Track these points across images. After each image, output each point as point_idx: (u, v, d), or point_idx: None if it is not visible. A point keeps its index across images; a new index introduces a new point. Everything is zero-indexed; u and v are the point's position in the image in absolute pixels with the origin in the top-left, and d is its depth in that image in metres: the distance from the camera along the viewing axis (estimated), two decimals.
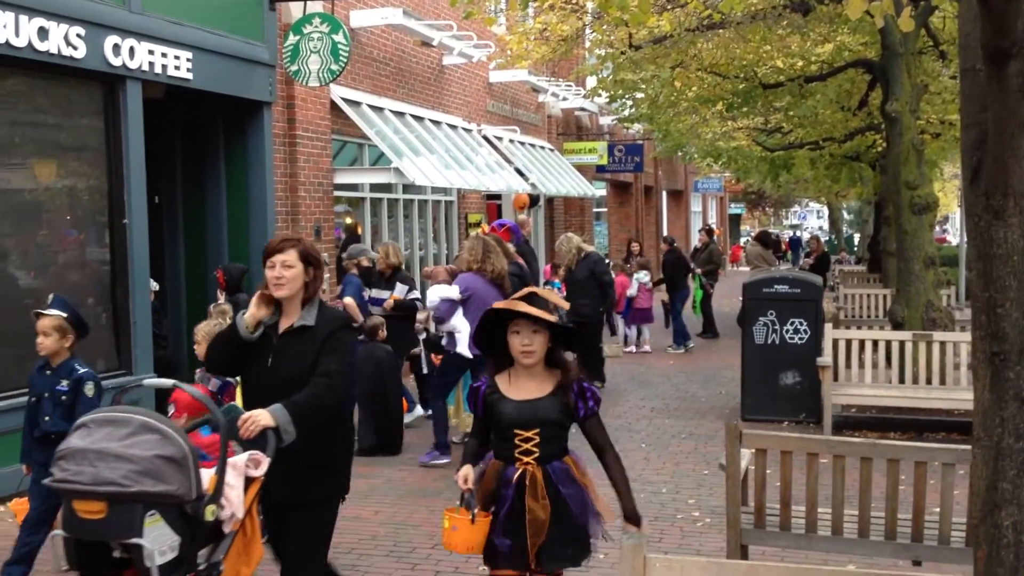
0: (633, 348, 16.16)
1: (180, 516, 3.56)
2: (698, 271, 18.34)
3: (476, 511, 3.97)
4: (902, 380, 9.59)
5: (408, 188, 14.24)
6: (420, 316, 10.66)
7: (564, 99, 21.18)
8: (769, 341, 10.41)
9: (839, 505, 5.03)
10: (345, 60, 10.54)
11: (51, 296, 5.92)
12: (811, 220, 74.38)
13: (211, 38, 9.63)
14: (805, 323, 10.32)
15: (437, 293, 8.88)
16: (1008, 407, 3.39)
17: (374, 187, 13.59)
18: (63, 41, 7.90)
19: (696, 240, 22.68)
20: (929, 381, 9.44)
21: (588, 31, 13.30)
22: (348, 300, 9.58)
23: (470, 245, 9.11)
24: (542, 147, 20.15)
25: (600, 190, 24.93)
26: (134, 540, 3.45)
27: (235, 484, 3.77)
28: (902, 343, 9.62)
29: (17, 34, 7.50)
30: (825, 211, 57.36)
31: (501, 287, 8.86)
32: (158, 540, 3.48)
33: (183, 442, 3.57)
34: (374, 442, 9.07)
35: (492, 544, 4.02)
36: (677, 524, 6.89)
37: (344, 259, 10.18)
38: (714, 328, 18.05)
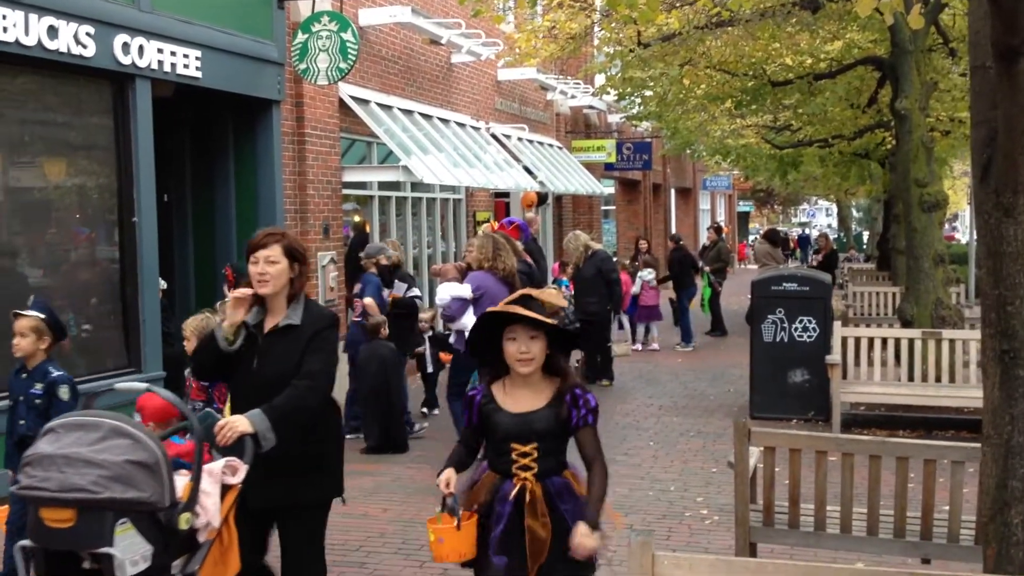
0: (639, 346, 16.15)
1: (153, 524, 3.42)
2: (706, 269, 18.31)
3: (460, 515, 3.80)
4: (911, 378, 9.57)
5: (416, 186, 14.24)
6: (425, 315, 10.66)
7: (572, 97, 21.16)
8: (778, 339, 10.40)
9: (848, 503, 5.02)
10: (354, 58, 10.55)
11: (31, 297, 5.88)
12: (820, 218, 74.24)
13: (220, 36, 9.64)
14: (814, 321, 10.30)
15: (447, 291, 8.86)
16: (1018, 405, 3.39)
17: (382, 185, 13.60)
18: (72, 40, 7.92)
19: (705, 238, 22.66)
20: (938, 379, 9.42)
21: (596, 29, 13.30)
22: (368, 301, 9.52)
23: (480, 243, 9.09)
24: (550, 145, 20.14)
25: (608, 188, 24.91)
26: (104, 549, 3.31)
27: (211, 491, 3.63)
28: (911, 341, 9.60)
29: (27, 33, 7.52)
30: (834, 209, 57.23)
31: (511, 286, 8.84)
32: (129, 549, 3.34)
33: (156, 447, 3.42)
34: (379, 440, 9.08)
35: (487, 561, 3.82)
36: (685, 522, 6.89)
37: (362, 258, 10.14)
38: (722, 326, 18.03)
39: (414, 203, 14.78)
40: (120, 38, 8.39)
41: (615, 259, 19.44)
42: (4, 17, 7.33)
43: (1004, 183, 3.31)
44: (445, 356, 9.87)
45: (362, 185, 13.14)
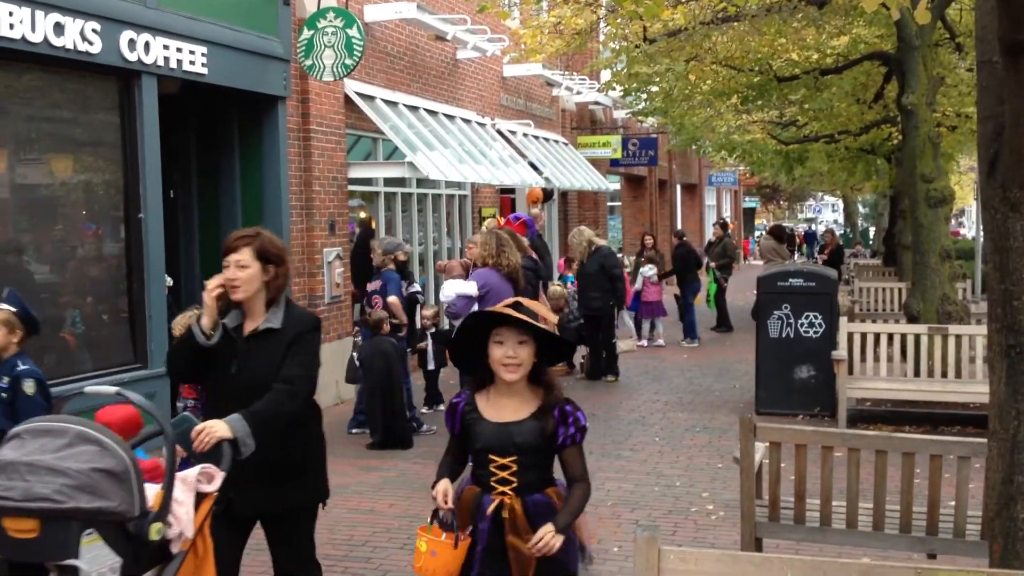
0: (645, 342, 16.15)
1: (121, 535, 3.26)
2: (712, 265, 18.31)
3: (459, 533, 3.58)
4: (917, 373, 9.57)
5: (422, 182, 14.24)
6: (427, 312, 10.66)
7: (578, 93, 21.15)
8: (784, 335, 10.40)
9: (854, 498, 5.02)
10: (359, 54, 10.55)
11: (5, 290, 5.73)
12: (826, 214, 74.14)
13: (226, 33, 9.65)
14: (820, 317, 10.30)
15: (453, 288, 8.86)
16: None
17: (388, 181, 13.60)
18: (79, 36, 7.93)
19: (710, 234, 22.64)
20: (944, 374, 9.42)
21: (602, 24, 13.27)
22: (393, 299, 9.51)
23: (483, 240, 9.09)
24: (556, 141, 20.13)
25: (614, 184, 24.89)
26: (70, 561, 3.16)
27: (184, 500, 3.46)
28: (917, 336, 9.60)
29: (33, 29, 7.53)
30: (840, 204, 57.14)
31: (515, 282, 8.84)
32: (96, 561, 3.20)
33: (124, 454, 3.25)
34: (383, 436, 9.09)
35: None
36: (691, 517, 6.90)
37: (380, 255, 10.13)
38: (728, 322, 18.02)
39: (420, 199, 14.79)
40: (126, 35, 8.40)
41: (620, 255, 19.43)
42: (11, 14, 7.33)
43: (1011, 178, 3.30)
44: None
45: (368, 181, 13.15)
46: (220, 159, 10.88)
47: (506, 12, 10.15)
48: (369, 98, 12.45)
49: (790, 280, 10.53)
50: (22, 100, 8.17)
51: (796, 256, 32.27)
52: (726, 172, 36.87)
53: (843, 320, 10.03)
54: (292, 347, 4.00)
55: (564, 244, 18.12)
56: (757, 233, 47.83)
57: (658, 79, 14.96)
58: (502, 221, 13.00)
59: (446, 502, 3.58)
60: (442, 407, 10.52)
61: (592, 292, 12.39)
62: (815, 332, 10.31)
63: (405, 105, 13.38)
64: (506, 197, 18.04)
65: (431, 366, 10.61)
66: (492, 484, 3.62)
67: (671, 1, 11.01)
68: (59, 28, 7.74)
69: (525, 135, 18.02)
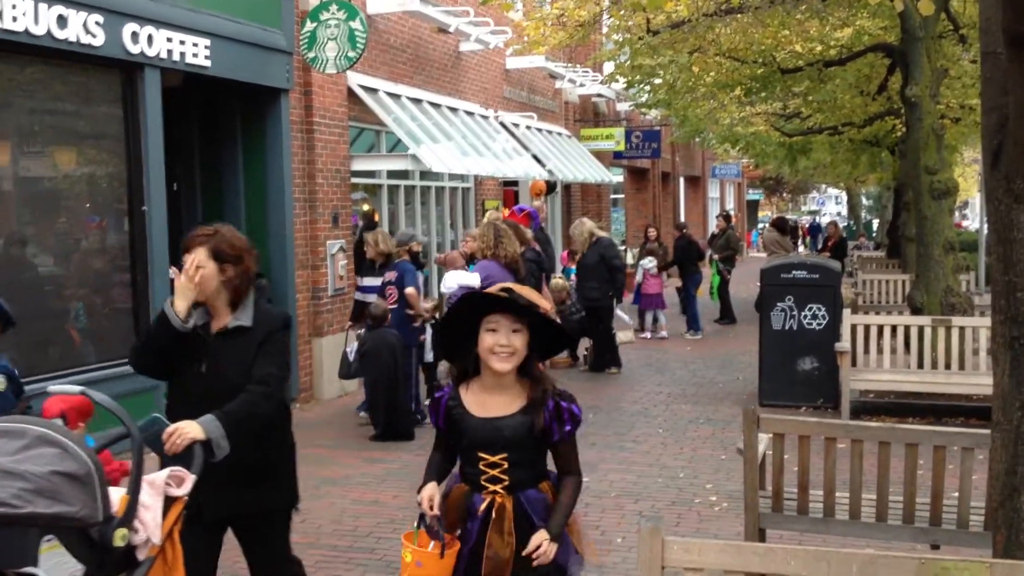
0: (648, 334, 16.16)
1: (83, 541, 3.09)
2: (715, 257, 18.30)
3: (445, 542, 3.40)
4: (921, 365, 9.57)
5: (425, 175, 14.25)
6: (427, 304, 10.65)
7: (581, 85, 21.13)
8: (787, 327, 10.39)
9: (857, 489, 5.03)
10: (362, 47, 10.55)
11: None
12: (830, 206, 74.03)
13: (229, 25, 9.65)
14: (823, 308, 10.30)
15: (455, 280, 8.87)
16: None
17: (391, 174, 13.61)
18: (82, 29, 7.93)
19: (714, 226, 22.62)
20: (948, 366, 9.42)
21: (605, 16, 13.26)
22: (410, 290, 9.49)
23: (481, 232, 9.09)
24: (559, 133, 20.12)
25: (617, 176, 24.88)
26: (28, 569, 3.04)
27: (151, 505, 3.28)
28: (921, 328, 9.60)
29: (36, 22, 7.54)
30: (844, 197, 57.07)
31: (515, 272, 8.84)
32: (56, 569, 3.11)
33: (87, 457, 3.06)
34: (385, 428, 9.10)
35: None
36: (695, 508, 6.91)
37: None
38: (731, 314, 18.02)
39: (423, 192, 14.80)
40: (129, 27, 8.40)
41: (623, 248, 19.38)
42: (14, 7, 7.34)
43: (1015, 169, 3.30)
44: None
45: (371, 174, 13.16)
46: (223, 152, 10.89)
47: (509, 4, 10.15)
48: (372, 90, 12.44)
49: (793, 272, 10.52)
50: (25, 93, 8.18)
51: (800, 248, 32.26)
52: (729, 164, 36.82)
53: (847, 312, 10.03)
54: (263, 346, 3.89)
55: (567, 236, 18.14)
56: (760, 225, 47.79)
57: (661, 71, 14.94)
58: (506, 213, 13.00)
59: (432, 508, 3.38)
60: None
61: (591, 283, 12.40)
62: (818, 324, 10.31)
63: (408, 98, 13.38)
64: (509, 190, 18.04)
65: (430, 358, 10.61)
66: (482, 483, 3.45)
67: None
68: (62, 20, 7.75)
69: (528, 128, 18.01)
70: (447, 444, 3.59)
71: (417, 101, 13.64)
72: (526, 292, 3.50)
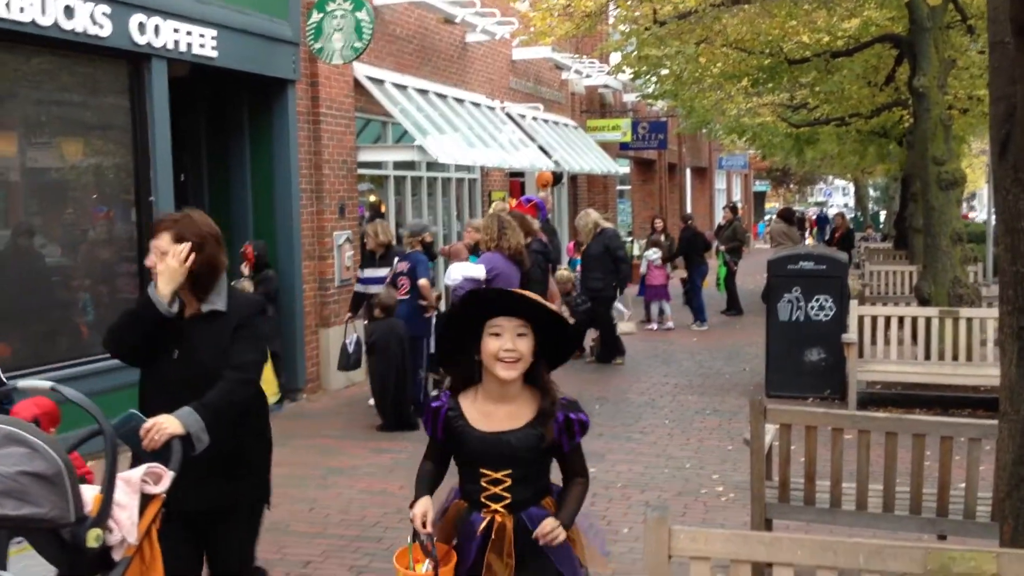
0: (655, 326, 16.16)
1: (55, 543, 2.99)
2: (722, 248, 18.29)
3: (438, 561, 3.15)
4: (928, 357, 9.55)
5: (431, 166, 14.25)
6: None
7: (588, 76, 21.09)
8: (794, 318, 10.39)
9: (864, 480, 5.03)
10: (368, 38, 10.54)
11: None
12: (836, 197, 73.84)
13: (236, 16, 9.65)
14: (830, 300, 10.29)
15: (460, 271, 8.86)
16: None
17: (398, 165, 13.61)
18: (89, 20, 7.93)
19: (720, 217, 22.60)
20: (955, 357, 9.40)
21: (612, 7, 13.21)
22: (423, 282, 9.48)
23: (485, 223, 9.08)
24: (565, 124, 20.10)
25: (624, 168, 24.85)
26: None
27: (127, 504, 3.15)
28: (928, 319, 9.58)
29: (43, 13, 7.54)
30: (851, 188, 56.91)
31: (520, 264, 8.83)
32: (27, 572, 3.01)
33: (57, 456, 2.96)
34: (392, 419, 9.11)
35: None
36: (701, 499, 6.91)
37: (407, 237, 10.12)
38: (738, 305, 18.01)
39: (429, 183, 14.79)
40: (136, 18, 8.41)
41: (630, 239, 19.35)
42: None
43: (1023, 159, 3.29)
44: None
45: (377, 165, 13.15)
46: (230, 142, 10.90)
47: None
48: (378, 81, 12.44)
49: (800, 263, 10.51)
50: (32, 84, 8.19)
51: (807, 239, 32.20)
52: (736, 156, 36.77)
53: (854, 303, 10.01)
54: (239, 331, 3.79)
55: (574, 228, 18.13)
56: (767, 217, 47.70)
57: (668, 62, 14.88)
58: (514, 203, 13.00)
59: (425, 525, 3.16)
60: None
61: (595, 274, 12.40)
62: (825, 315, 10.30)
63: (414, 88, 13.37)
64: (516, 181, 18.03)
65: (431, 349, 10.61)
66: (483, 500, 3.24)
67: None
68: (69, 11, 7.75)
69: (534, 119, 17.99)
70: (441, 454, 3.37)
71: (423, 92, 13.63)
72: (530, 296, 3.26)
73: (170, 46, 8.79)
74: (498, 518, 3.21)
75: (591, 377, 11.55)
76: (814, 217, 43.41)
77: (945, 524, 4.96)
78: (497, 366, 3.16)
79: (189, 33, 9.00)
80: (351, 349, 10.12)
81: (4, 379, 5.11)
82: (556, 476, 3.43)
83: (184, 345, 3.77)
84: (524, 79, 18.26)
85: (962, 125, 18.29)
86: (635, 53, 14.65)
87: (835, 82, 14.50)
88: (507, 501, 3.22)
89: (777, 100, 19.16)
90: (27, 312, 8.06)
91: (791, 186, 59.14)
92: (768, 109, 20.05)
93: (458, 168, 15.06)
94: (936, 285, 10.43)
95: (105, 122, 8.90)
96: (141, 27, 8.46)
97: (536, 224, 11.04)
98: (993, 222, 17.71)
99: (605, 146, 21.65)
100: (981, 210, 51.04)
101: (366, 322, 9.89)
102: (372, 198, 13.35)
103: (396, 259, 9.91)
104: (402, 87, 13.03)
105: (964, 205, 49.99)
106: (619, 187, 25.22)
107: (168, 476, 3.33)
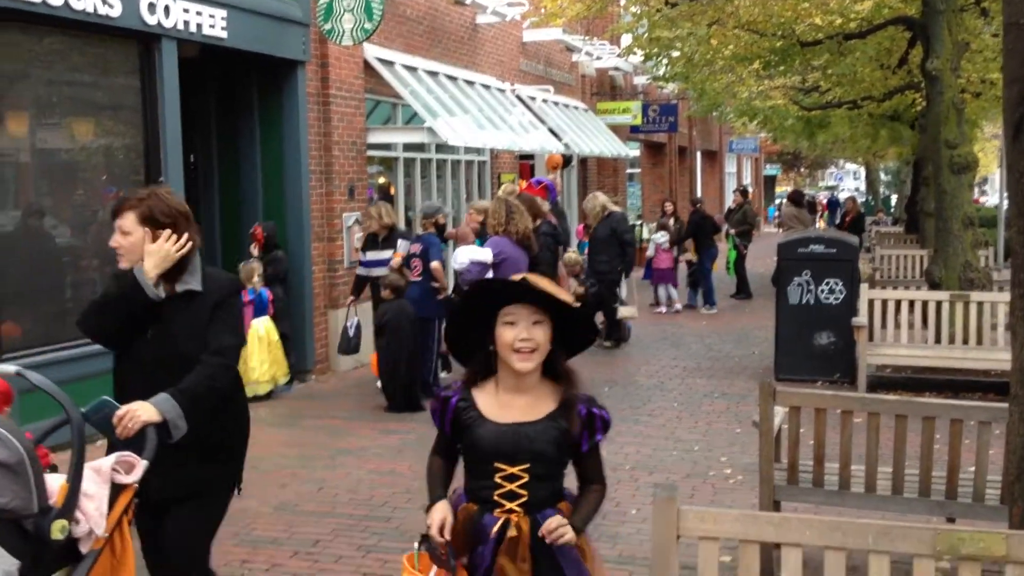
0: (664, 309, 16.15)
1: (17, 534, 2.86)
2: (732, 231, 18.25)
3: (455, 566, 2.94)
4: (938, 340, 9.53)
5: (441, 148, 14.22)
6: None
7: (598, 58, 21.01)
8: (804, 301, 10.37)
9: (873, 462, 5.02)
10: (378, 18, 10.51)
11: None
12: (848, 181, 73.57)
13: None
14: (840, 283, 10.26)
15: (467, 255, 8.84)
16: None
17: (407, 147, 13.58)
18: (99, 0, 7.92)
19: (730, 201, 22.54)
20: (966, 341, 9.38)
21: None
22: (435, 264, 9.46)
23: (493, 208, 9.06)
24: (576, 107, 20.04)
25: (634, 151, 24.77)
26: None
27: (96, 494, 3.01)
28: (939, 303, 9.55)
29: None
30: (862, 172, 56.69)
31: (528, 248, 8.81)
32: None
33: (19, 445, 2.83)
34: (402, 400, 9.13)
35: None
36: (709, 481, 6.92)
37: (420, 218, 10.09)
38: (748, 288, 17.99)
39: (439, 165, 14.77)
40: None
41: (640, 223, 19.30)
42: None
43: None
44: None
45: (387, 146, 13.13)
46: (240, 124, 10.89)
47: None
48: (388, 63, 12.40)
49: (811, 246, 10.48)
50: (43, 64, 8.19)
51: (818, 223, 32.08)
52: (747, 139, 36.61)
53: (864, 286, 9.99)
54: (217, 313, 3.64)
55: (583, 211, 18.10)
56: (777, 200, 47.55)
57: (679, 43, 14.82)
58: (524, 185, 12.97)
59: (442, 533, 2.93)
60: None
61: (601, 256, 12.38)
62: (835, 299, 10.27)
63: (424, 70, 13.33)
64: (525, 163, 17.99)
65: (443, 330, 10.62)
66: (496, 499, 3.01)
67: None
68: None
69: (545, 101, 17.93)
70: (451, 448, 3.17)
71: (433, 74, 13.59)
72: (544, 282, 3.04)
73: (180, 26, 8.78)
74: (513, 518, 2.99)
75: (600, 360, 11.55)
76: (825, 201, 43.27)
77: (954, 507, 4.97)
78: (513, 357, 2.96)
79: (199, 13, 8.99)
80: (352, 332, 10.12)
81: None
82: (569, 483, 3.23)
83: (159, 326, 3.62)
84: (534, 61, 18.19)
85: (975, 109, 18.18)
86: (646, 35, 14.60)
87: (847, 65, 14.42)
88: (523, 499, 2.99)
89: (789, 83, 19.08)
90: (37, 292, 8.08)
91: (802, 170, 58.91)
92: (779, 92, 19.97)
93: (468, 150, 15.04)
94: (947, 269, 10.40)
95: (115, 103, 8.90)
96: (151, 7, 8.45)
97: (546, 206, 11.01)
98: (1005, 206, 17.63)
99: (615, 129, 21.58)
100: (993, 194, 50.82)
101: (373, 304, 9.89)
102: (382, 180, 13.33)
103: (400, 240, 9.91)
104: (412, 68, 12.99)
105: (976, 190, 49.74)
106: (629, 170, 25.15)
107: (141, 465, 3.20)
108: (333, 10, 10.53)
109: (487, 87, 15.48)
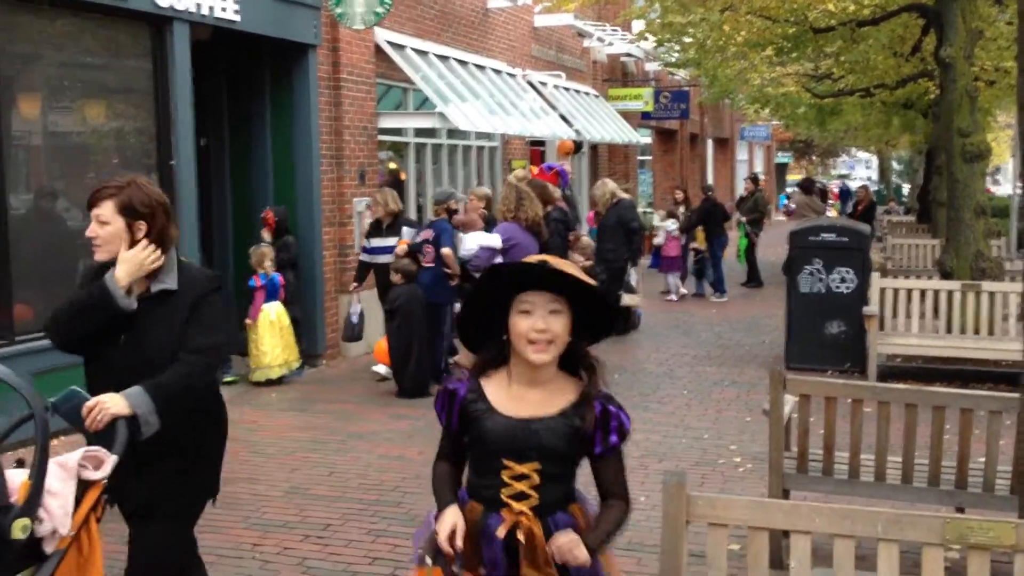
0: (674, 296, 16.15)
1: None
2: (743, 219, 18.20)
3: None
4: (949, 330, 9.50)
5: (452, 133, 14.20)
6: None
7: (610, 44, 20.94)
8: (815, 290, 10.34)
9: (883, 451, 5.02)
10: (389, 2, 10.50)
11: None
12: (859, 170, 73.30)
13: None
14: (852, 272, 10.23)
15: (475, 241, 8.83)
16: None
17: (418, 132, 13.57)
18: None
19: (742, 188, 22.48)
20: (977, 331, 9.35)
21: None
22: (447, 251, 9.45)
23: (504, 193, 9.04)
24: (587, 93, 19.98)
25: (645, 137, 24.70)
26: None
27: (60, 491, 2.86)
28: (950, 293, 9.52)
29: None
30: (874, 161, 56.49)
31: (538, 235, 8.79)
32: None
33: None
34: (412, 385, 9.14)
35: None
36: (719, 469, 6.92)
37: (433, 204, 10.08)
38: (758, 277, 17.96)
39: (450, 150, 14.75)
40: None
41: (650, 210, 19.25)
42: None
43: None
44: None
45: (398, 131, 13.12)
46: (251, 107, 10.89)
47: None
48: (399, 47, 12.38)
49: (822, 235, 10.45)
50: (55, 46, 8.20)
51: (830, 212, 31.96)
52: (759, 126, 36.48)
53: (875, 275, 9.96)
54: (195, 312, 3.43)
55: (591, 197, 18.08)
56: (789, 189, 47.41)
57: (692, 29, 14.77)
58: (535, 171, 12.94)
59: (452, 542, 2.69)
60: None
61: (608, 244, 12.35)
62: (847, 287, 10.25)
63: (435, 55, 13.30)
64: (536, 149, 17.96)
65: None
66: (504, 499, 2.77)
67: None
68: None
69: (556, 87, 17.89)
70: (457, 448, 2.91)
71: (444, 58, 13.57)
72: (564, 265, 2.77)
73: (192, 9, 8.77)
74: (524, 521, 2.74)
75: (609, 347, 11.54)
76: (836, 190, 43.12)
77: (964, 496, 4.96)
78: (528, 349, 2.71)
79: None
80: (355, 320, 10.12)
81: None
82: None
83: (131, 328, 3.40)
84: (546, 47, 18.14)
85: (988, 97, 18.07)
86: (658, 20, 14.56)
87: (860, 52, 14.35)
88: (533, 501, 2.76)
89: (801, 70, 18.99)
90: (49, 276, 8.10)
91: (814, 158, 58.71)
92: (792, 79, 19.89)
93: (478, 136, 15.02)
94: (959, 258, 10.35)
95: (127, 85, 8.90)
96: None
97: (557, 192, 10.99)
98: (1017, 195, 17.55)
99: (626, 115, 21.52)
100: (1005, 184, 50.59)
101: (378, 291, 9.87)
102: (392, 166, 13.33)
103: (405, 228, 9.90)
104: (423, 53, 12.97)
105: (988, 179, 49.50)
106: (640, 157, 25.09)
107: (110, 461, 3.02)
108: None
109: (498, 72, 15.45)
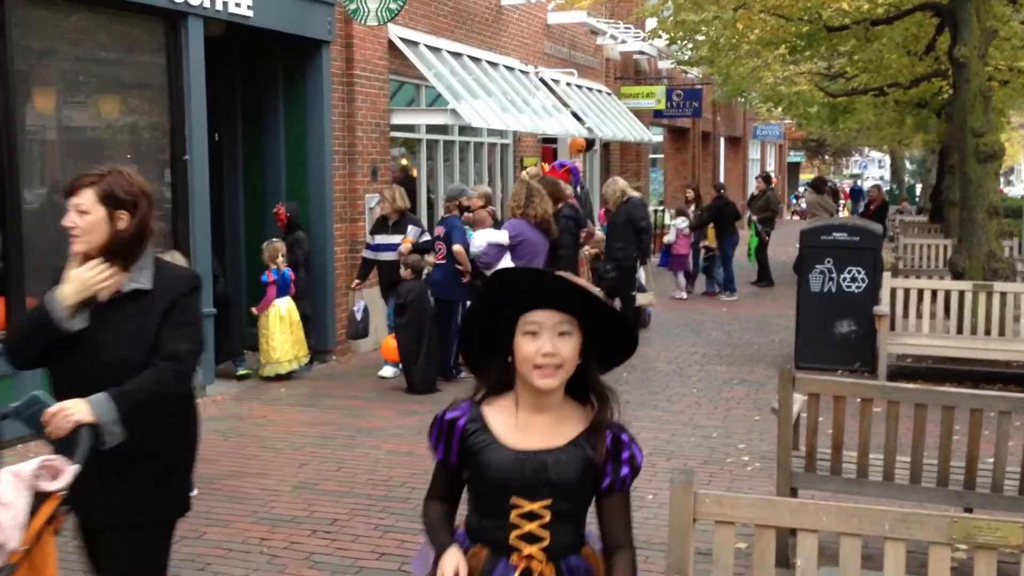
0: (684, 294, 16.14)
1: None
2: (754, 218, 18.17)
3: None
4: (960, 331, 9.47)
5: (464, 130, 14.21)
6: (431, 259, 10.62)
7: (623, 42, 20.92)
8: (825, 289, 10.33)
9: (891, 451, 5.01)
10: None
11: None
12: (872, 170, 73.08)
13: None
14: (863, 271, 10.21)
15: (484, 238, 8.84)
16: None
17: (430, 128, 13.59)
18: None
19: (753, 187, 22.43)
20: (988, 332, 9.32)
21: None
22: (458, 248, 9.46)
23: (514, 190, 9.06)
24: (599, 91, 19.97)
25: (657, 136, 24.68)
26: None
27: (12, 502, 2.73)
28: (962, 293, 9.49)
29: None
30: (887, 160, 56.30)
31: (547, 232, 8.80)
32: None
33: None
34: (421, 381, 9.16)
35: None
36: (727, 467, 6.92)
37: (444, 201, 10.10)
38: (769, 276, 17.92)
39: (462, 147, 14.77)
40: None
41: (662, 208, 19.23)
42: None
43: None
44: None
45: (410, 128, 13.14)
46: (264, 103, 10.92)
47: None
48: (413, 44, 12.40)
49: (833, 234, 10.43)
50: (70, 41, 8.24)
51: (842, 212, 31.90)
52: (771, 125, 36.41)
53: (886, 275, 9.94)
54: (170, 314, 3.16)
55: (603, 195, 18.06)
56: (801, 188, 47.28)
57: (705, 27, 14.75)
58: (547, 168, 12.94)
59: None
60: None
61: (617, 242, 12.34)
62: (857, 287, 10.23)
63: (448, 52, 13.31)
64: (548, 147, 17.96)
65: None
66: (512, 542, 2.51)
67: None
68: None
69: (568, 84, 17.88)
70: (453, 486, 2.66)
71: (457, 55, 13.58)
72: (575, 279, 2.59)
73: (207, 4, 8.80)
74: (535, 566, 2.49)
75: None
76: (848, 189, 43.00)
77: (972, 497, 4.95)
78: (534, 374, 2.46)
79: None
80: (359, 317, 10.14)
81: None
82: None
83: (99, 332, 3.14)
84: (558, 44, 18.13)
85: (1002, 97, 17.99)
86: (671, 18, 14.53)
87: (874, 51, 14.30)
88: (545, 543, 2.50)
89: (814, 69, 18.95)
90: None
91: (826, 157, 58.56)
92: (805, 78, 19.84)
93: (491, 133, 15.03)
94: (971, 259, 10.32)
95: (141, 80, 8.94)
96: None
97: (569, 190, 10.99)
98: None
99: (638, 113, 21.50)
100: (1018, 184, 50.40)
101: (381, 288, 9.88)
102: (403, 162, 13.34)
103: (410, 226, 9.92)
104: (436, 50, 12.98)
105: (1001, 179, 49.28)
106: (652, 155, 25.07)
107: (69, 471, 2.83)
108: None
109: (511, 69, 15.46)
